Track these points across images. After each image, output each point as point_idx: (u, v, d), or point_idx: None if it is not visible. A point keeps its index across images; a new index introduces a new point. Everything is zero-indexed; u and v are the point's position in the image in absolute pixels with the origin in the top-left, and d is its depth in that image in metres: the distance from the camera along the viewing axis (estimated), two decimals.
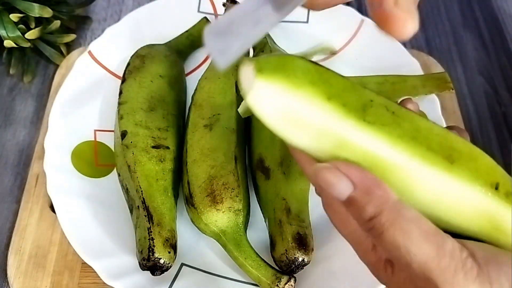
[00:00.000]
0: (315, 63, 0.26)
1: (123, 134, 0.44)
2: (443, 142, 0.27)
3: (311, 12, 0.56)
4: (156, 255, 0.38)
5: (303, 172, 0.27)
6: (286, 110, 0.25)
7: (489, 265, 0.24)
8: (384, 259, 0.28)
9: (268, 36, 0.52)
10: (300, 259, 0.38)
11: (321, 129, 0.25)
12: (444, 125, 0.46)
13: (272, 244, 0.40)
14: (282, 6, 0.25)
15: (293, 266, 0.38)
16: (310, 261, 0.39)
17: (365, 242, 0.28)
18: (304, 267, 0.39)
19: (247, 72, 0.25)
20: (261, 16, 0.24)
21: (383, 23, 0.23)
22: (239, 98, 0.46)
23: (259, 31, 0.24)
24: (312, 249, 0.39)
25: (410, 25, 0.23)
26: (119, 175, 0.44)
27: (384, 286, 0.29)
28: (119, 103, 0.46)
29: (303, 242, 0.38)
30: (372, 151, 0.25)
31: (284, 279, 0.38)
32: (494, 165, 0.28)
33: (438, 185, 0.26)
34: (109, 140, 0.48)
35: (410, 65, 0.51)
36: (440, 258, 0.23)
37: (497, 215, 0.27)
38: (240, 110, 0.37)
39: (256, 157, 0.44)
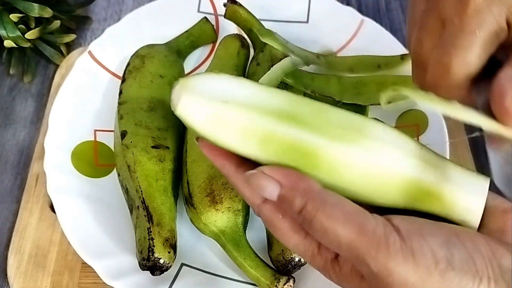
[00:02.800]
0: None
1: (123, 134, 0.44)
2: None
3: (311, 12, 0.56)
4: (156, 255, 0.38)
5: (232, 186, 0.29)
6: (214, 114, 0.27)
7: (412, 237, 0.24)
8: (330, 259, 0.28)
9: None
10: (297, 259, 0.38)
11: (248, 126, 0.27)
12: (444, 126, 0.46)
13: (269, 244, 0.40)
14: None
15: (290, 266, 0.38)
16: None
17: (309, 248, 0.29)
18: (302, 267, 0.39)
19: (176, 90, 0.28)
20: None
21: (501, 116, 0.26)
22: None
23: None
24: None
25: None
26: (119, 175, 0.44)
27: None
28: (119, 103, 0.46)
29: None
30: (297, 139, 0.27)
31: (283, 279, 0.38)
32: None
33: (358, 160, 0.27)
34: (109, 140, 0.48)
35: (410, 65, 0.50)
36: (363, 236, 0.24)
37: (422, 180, 0.27)
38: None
39: None
